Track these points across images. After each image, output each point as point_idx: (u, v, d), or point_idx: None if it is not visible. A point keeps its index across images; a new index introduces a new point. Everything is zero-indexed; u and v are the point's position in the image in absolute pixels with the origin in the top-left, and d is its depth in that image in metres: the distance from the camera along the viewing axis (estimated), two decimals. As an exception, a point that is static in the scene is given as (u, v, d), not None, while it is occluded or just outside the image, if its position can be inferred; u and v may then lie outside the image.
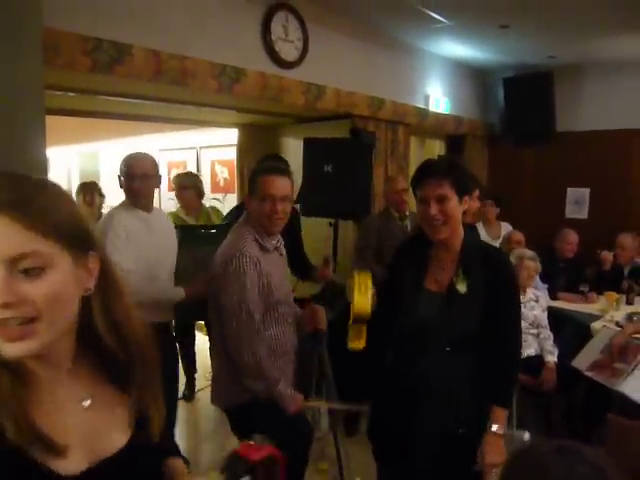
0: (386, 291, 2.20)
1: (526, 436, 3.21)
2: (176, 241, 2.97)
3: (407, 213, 4.39)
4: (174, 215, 4.42)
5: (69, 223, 0.90)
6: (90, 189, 4.84)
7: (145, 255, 2.77)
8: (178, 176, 4.81)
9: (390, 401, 2.14)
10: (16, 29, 1.92)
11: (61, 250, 0.87)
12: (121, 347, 1.01)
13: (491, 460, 1.94)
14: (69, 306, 0.91)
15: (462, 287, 2.00)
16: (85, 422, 0.97)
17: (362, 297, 2.08)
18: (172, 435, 3.16)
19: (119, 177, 2.86)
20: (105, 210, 5.00)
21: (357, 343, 2.14)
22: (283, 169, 2.50)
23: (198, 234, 3.73)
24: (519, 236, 4.60)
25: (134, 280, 2.63)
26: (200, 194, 4.65)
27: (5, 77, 1.90)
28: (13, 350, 0.84)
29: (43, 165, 2.19)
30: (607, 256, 4.93)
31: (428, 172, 2.04)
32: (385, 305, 2.15)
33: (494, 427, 1.96)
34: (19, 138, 1.99)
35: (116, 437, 1.01)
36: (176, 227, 3.16)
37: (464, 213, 2.15)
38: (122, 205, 2.86)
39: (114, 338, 0.99)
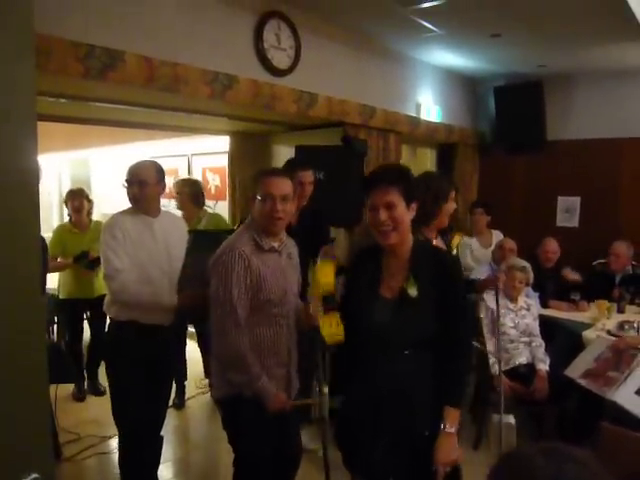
0: (345, 301, 2.26)
1: (511, 419, 3.23)
2: (183, 246, 3.01)
3: None
4: None
5: None
6: (78, 195, 4.86)
7: (141, 257, 2.89)
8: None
9: (354, 406, 2.17)
10: (6, 32, 1.90)
11: None
12: None
13: (444, 458, 2.00)
14: None
15: (413, 291, 2.06)
16: None
17: (325, 277, 2.22)
18: (159, 439, 3.15)
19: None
20: (94, 216, 5.02)
21: (331, 330, 2.18)
22: (283, 171, 2.56)
23: (211, 239, 3.81)
24: (512, 244, 4.61)
25: (125, 279, 2.81)
26: (193, 199, 4.74)
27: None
28: None
29: (34, 172, 2.16)
30: (568, 274, 5.02)
31: (377, 180, 2.10)
32: (345, 314, 2.20)
33: (447, 427, 2.02)
34: (10, 144, 1.97)
35: None
36: (190, 232, 3.23)
37: (440, 216, 2.34)
38: (127, 209, 3.02)
39: None
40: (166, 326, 2.96)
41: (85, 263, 4.59)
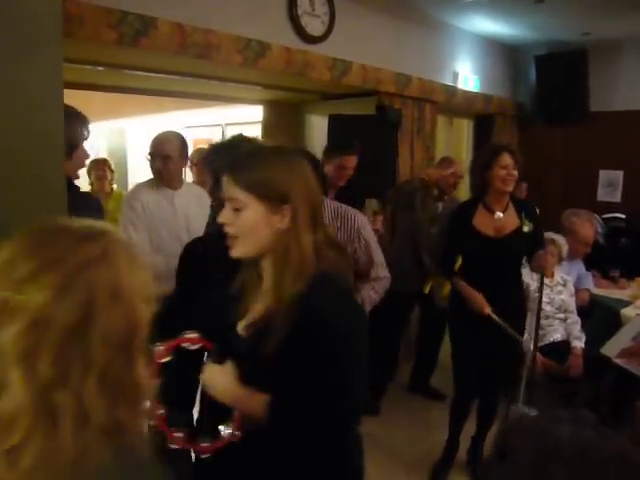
0: None
1: (532, 412, 3.18)
2: (204, 219, 2.97)
3: (445, 197, 4.08)
4: None
5: (263, 183, 1.36)
6: (102, 164, 5.02)
7: (160, 230, 2.91)
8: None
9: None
10: (34, 22, 1.88)
11: (255, 200, 1.35)
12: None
13: None
14: (257, 235, 1.37)
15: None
16: None
17: None
18: None
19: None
20: (130, 185, 5.11)
21: None
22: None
23: None
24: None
25: (145, 252, 2.78)
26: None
27: (23, 70, 1.86)
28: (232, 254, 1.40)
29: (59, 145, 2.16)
30: None
31: None
32: None
33: None
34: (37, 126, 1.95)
35: None
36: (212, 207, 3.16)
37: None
38: (148, 181, 3.07)
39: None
40: None
41: None
